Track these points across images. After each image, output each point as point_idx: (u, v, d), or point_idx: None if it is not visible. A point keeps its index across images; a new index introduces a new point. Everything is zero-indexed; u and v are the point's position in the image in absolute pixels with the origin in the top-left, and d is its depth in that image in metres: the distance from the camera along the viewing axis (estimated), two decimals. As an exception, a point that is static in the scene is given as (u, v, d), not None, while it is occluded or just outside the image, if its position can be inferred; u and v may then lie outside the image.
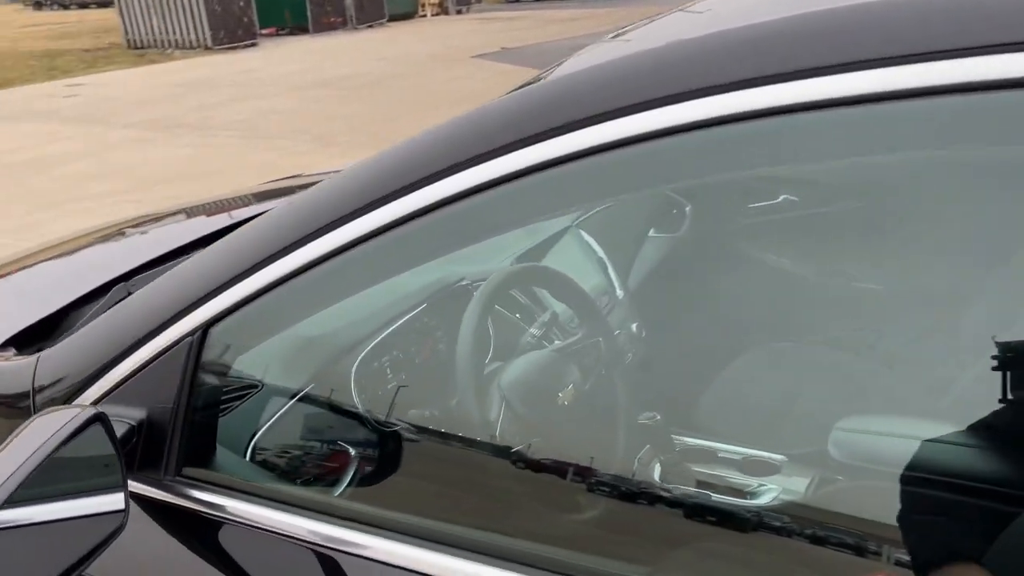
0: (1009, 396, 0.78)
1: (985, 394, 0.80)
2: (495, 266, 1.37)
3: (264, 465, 1.10)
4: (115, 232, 1.94)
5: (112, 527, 0.84)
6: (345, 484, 1.02)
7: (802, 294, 1.68)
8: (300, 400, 1.10)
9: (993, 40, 0.60)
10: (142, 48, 16.07)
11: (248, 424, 1.07)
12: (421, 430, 1.09)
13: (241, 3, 16.07)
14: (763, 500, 1.15)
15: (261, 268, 0.92)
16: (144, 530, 0.97)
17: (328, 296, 1.03)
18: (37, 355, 1.13)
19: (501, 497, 1.05)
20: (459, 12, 21.69)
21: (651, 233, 1.89)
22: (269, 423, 1.08)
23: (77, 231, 2.05)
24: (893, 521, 0.79)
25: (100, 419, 0.87)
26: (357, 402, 1.11)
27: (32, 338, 1.30)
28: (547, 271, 1.38)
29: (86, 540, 0.83)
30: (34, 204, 5.85)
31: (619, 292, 1.60)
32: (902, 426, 1.03)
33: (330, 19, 18.28)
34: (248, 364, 1.07)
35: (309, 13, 17.91)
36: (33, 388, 1.08)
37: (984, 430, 0.80)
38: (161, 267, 1.48)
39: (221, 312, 0.96)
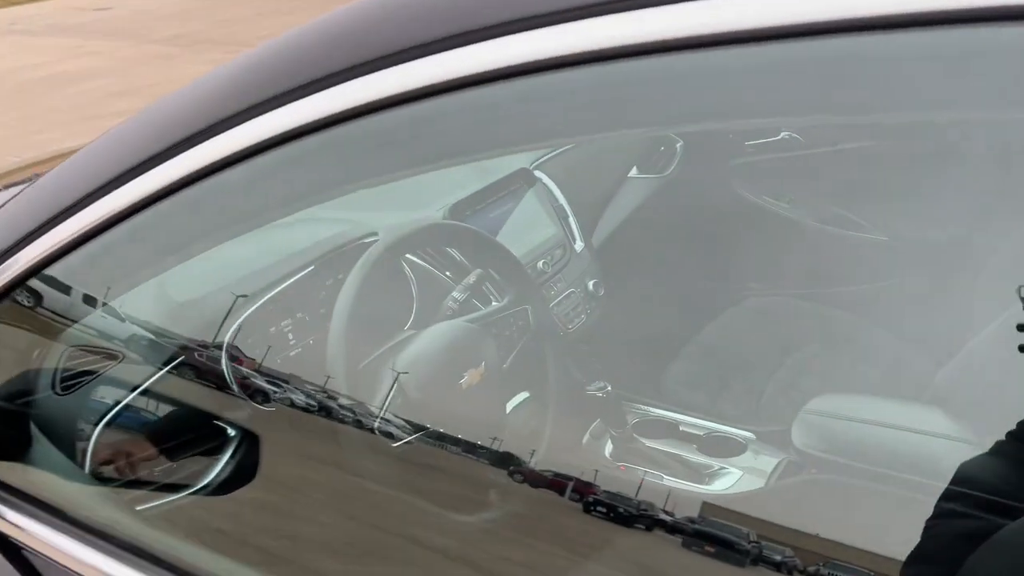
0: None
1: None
2: (416, 218, 1.15)
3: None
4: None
5: None
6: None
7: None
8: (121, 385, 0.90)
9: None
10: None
11: (82, 411, 0.89)
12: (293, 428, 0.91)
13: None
14: (725, 483, 1.05)
15: (92, 202, 0.75)
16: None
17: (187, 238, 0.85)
18: None
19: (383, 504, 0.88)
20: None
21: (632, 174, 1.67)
22: (108, 412, 0.89)
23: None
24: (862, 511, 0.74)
25: None
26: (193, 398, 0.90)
27: None
28: (455, 228, 1.14)
29: None
30: (46, 122, 5.73)
31: (579, 244, 1.38)
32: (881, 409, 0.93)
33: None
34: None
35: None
36: None
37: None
38: None
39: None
